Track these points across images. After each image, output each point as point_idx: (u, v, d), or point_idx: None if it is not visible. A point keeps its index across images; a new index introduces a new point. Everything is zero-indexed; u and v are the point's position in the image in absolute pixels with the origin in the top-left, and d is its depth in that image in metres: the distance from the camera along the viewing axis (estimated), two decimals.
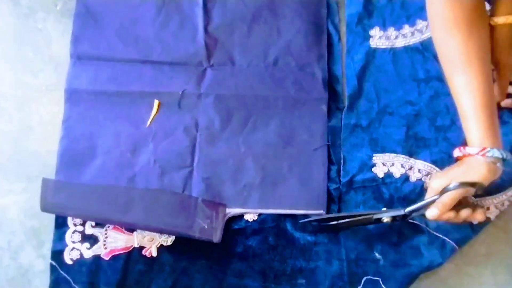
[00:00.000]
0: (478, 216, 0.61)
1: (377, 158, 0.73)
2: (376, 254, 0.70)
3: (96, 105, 0.74)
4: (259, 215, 0.71)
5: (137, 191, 0.69)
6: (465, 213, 0.61)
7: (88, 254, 0.68)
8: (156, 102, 0.74)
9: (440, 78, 0.75)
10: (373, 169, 0.73)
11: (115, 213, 0.67)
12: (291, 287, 0.69)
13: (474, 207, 0.62)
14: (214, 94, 0.75)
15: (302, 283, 0.69)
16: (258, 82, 0.75)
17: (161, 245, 0.69)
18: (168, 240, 0.69)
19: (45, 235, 0.70)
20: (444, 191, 0.60)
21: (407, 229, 0.70)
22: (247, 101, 0.74)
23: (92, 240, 0.69)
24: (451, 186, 0.59)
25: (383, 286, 0.68)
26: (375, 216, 0.65)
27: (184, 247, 0.69)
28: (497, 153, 0.57)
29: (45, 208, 0.67)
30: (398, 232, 0.70)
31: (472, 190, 0.59)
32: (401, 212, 0.64)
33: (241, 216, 0.71)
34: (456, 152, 0.61)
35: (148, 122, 0.73)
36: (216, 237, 0.67)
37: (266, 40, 0.78)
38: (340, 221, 0.68)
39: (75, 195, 0.67)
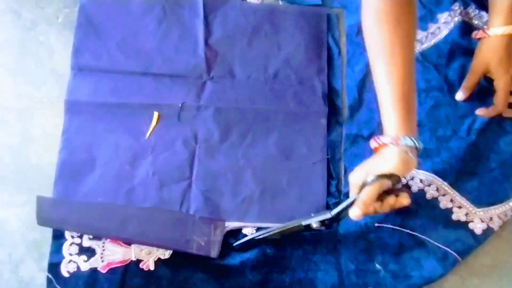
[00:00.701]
0: (403, 201, 0.61)
1: None
2: (377, 265, 0.69)
3: (96, 117, 0.74)
4: (257, 229, 0.71)
5: (133, 208, 0.69)
6: (389, 201, 0.61)
7: (85, 266, 0.68)
8: (155, 114, 0.74)
9: (440, 88, 0.75)
10: None
11: (112, 230, 0.67)
12: None
13: (398, 192, 0.62)
14: (213, 107, 0.75)
15: None
16: (257, 95, 0.76)
17: (159, 259, 0.69)
18: (165, 254, 0.69)
19: (46, 248, 0.69)
20: (363, 185, 0.60)
21: (408, 240, 0.70)
22: (247, 114, 0.75)
23: (89, 252, 0.68)
24: (368, 180, 0.60)
25: None
26: (304, 223, 0.65)
27: (182, 261, 0.69)
28: (409, 141, 0.58)
29: (41, 223, 0.67)
30: (399, 243, 0.69)
31: (388, 183, 0.60)
32: (328, 215, 0.65)
33: (239, 230, 0.71)
34: (372, 143, 0.62)
35: (148, 134, 0.74)
36: (214, 253, 0.67)
37: (266, 54, 0.78)
38: (270, 232, 0.67)
39: (70, 213, 0.67)
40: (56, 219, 0.67)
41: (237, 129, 0.74)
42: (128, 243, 0.69)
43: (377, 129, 0.74)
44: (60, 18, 0.80)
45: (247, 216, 0.71)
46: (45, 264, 0.69)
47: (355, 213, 0.60)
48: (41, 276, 0.69)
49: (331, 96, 0.77)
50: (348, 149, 0.74)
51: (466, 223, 0.70)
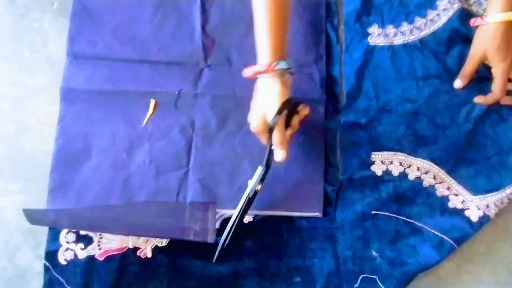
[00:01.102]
0: (305, 112, 0.67)
1: (376, 156, 0.73)
2: (373, 252, 0.69)
3: (92, 105, 0.73)
4: (255, 216, 0.71)
5: (123, 206, 0.69)
6: (295, 122, 0.66)
7: (82, 254, 0.68)
8: (152, 101, 0.73)
9: (439, 76, 0.75)
10: (371, 167, 0.72)
11: (106, 228, 0.67)
12: (287, 285, 0.68)
13: (296, 107, 0.66)
14: (211, 95, 0.74)
15: (298, 281, 0.69)
16: (255, 83, 0.75)
17: (156, 246, 0.69)
18: (163, 241, 0.69)
19: (42, 236, 0.69)
20: (268, 127, 0.63)
21: (404, 227, 0.70)
22: (244, 102, 0.74)
23: (86, 240, 0.69)
24: (270, 122, 0.62)
25: (380, 284, 0.68)
26: (247, 192, 0.66)
27: (179, 248, 0.69)
28: (283, 64, 0.61)
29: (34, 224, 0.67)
30: (395, 230, 0.70)
31: (285, 109, 0.63)
32: (261, 170, 0.66)
33: None
34: (246, 73, 0.64)
35: (144, 122, 0.73)
36: (210, 238, 0.67)
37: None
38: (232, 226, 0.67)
39: (61, 218, 0.67)
40: (48, 223, 0.68)
41: (234, 117, 0.74)
42: None
43: (374, 117, 0.74)
44: (54, 4, 0.79)
45: None
46: (41, 251, 0.69)
47: (280, 157, 0.64)
48: (38, 263, 0.69)
49: (329, 84, 0.77)
50: (345, 136, 0.74)
51: (462, 211, 0.70)
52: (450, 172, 0.71)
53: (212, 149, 0.73)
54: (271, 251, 0.70)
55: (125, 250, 0.68)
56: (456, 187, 0.71)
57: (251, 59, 0.75)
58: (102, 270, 0.67)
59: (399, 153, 0.72)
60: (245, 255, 0.69)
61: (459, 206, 0.70)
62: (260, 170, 0.65)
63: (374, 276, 0.68)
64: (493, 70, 0.70)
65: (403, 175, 0.72)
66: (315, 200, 0.71)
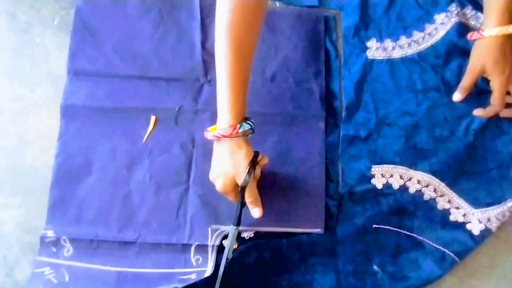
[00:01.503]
0: (264, 162, 0.66)
1: (376, 170, 0.72)
2: (374, 267, 0.69)
3: (93, 121, 0.73)
4: (256, 232, 0.70)
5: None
6: (258, 172, 0.65)
7: None
8: (152, 118, 0.74)
9: (438, 89, 0.75)
10: (371, 181, 0.72)
11: None
12: None
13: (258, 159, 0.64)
14: (211, 111, 0.75)
15: None
16: (255, 99, 0.75)
17: None
18: None
19: None
20: (238, 187, 0.63)
21: (406, 241, 0.69)
22: None
23: None
24: (242, 183, 0.61)
25: None
26: (229, 252, 0.64)
27: None
28: (246, 126, 0.61)
29: None
30: (396, 244, 0.69)
31: (258, 170, 0.64)
32: (234, 229, 0.64)
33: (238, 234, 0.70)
34: (208, 136, 0.63)
35: (145, 138, 0.73)
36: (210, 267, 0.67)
37: (263, 56, 0.78)
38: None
39: None
40: None
41: None
42: None
43: (374, 130, 0.74)
44: (56, 20, 0.80)
45: (244, 220, 0.70)
46: None
47: (257, 214, 0.65)
48: None
49: (329, 98, 0.77)
50: (345, 150, 0.74)
51: (463, 224, 0.70)
52: (451, 185, 0.71)
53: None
54: (272, 267, 0.69)
55: None
56: (457, 200, 0.70)
57: (251, 74, 0.76)
58: None
59: (399, 166, 0.72)
60: (246, 271, 0.69)
61: (461, 219, 0.70)
62: (232, 229, 0.64)
63: None
64: (491, 83, 0.70)
65: (404, 188, 0.72)
66: (317, 217, 0.70)
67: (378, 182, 0.72)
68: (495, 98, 0.70)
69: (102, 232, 0.69)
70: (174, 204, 0.71)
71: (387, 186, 0.72)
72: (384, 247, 0.69)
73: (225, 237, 0.69)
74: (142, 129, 0.74)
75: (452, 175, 0.71)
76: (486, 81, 0.73)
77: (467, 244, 0.68)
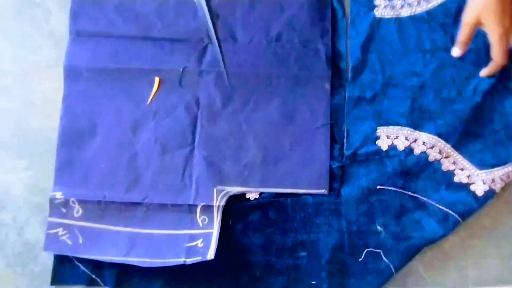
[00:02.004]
0: None
1: (381, 131, 0.72)
2: (378, 227, 0.70)
3: (96, 83, 0.73)
4: (261, 193, 0.71)
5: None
6: None
7: None
8: (156, 79, 0.73)
9: (446, 49, 0.73)
10: (377, 142, 0.72)
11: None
12: (293, 260, 0.69)
13: None
14: (215, 71, 0.74)
15: (303, 255, 0.69)
16: (260, 60, 0.74)
17: None
18: None
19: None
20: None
21: (409, 202, 0.70)
22: (249, 78, 0.73)
23: None
24: None
25: (384, 258, 0.68)
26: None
27: None
28: None
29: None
30: (400, 205, 0.70)
31: None
32: None
33: (243, 194, 0.71)
34: None
35: (149, 100, 0.73)
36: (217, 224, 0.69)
37: (269, 16, 0.76)
38: None
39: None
40: None
41: (239, 94, 0.73)
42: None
43: (380, 91, 0.73)
44: None
45: (249, 181, 0.71)
46: None
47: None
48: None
49: (334, 59, 0.75)
50: (350, 111, 0.73)
51: (468, 185, 0.70)
52: (456, 146, 0.71)
53: (217, 127, 0.72)
54: (276, 226, 0.70)
55: None
56: (462, 161, 0.70)
57: (256, 35, 0.74)
58: None
59: (405, 128, 0.72)
60: (251, 230, 0.70)
61: (465, 180, 0.70)
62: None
63: (379, 250, 0.69)
64: (489, 36, 0.66)
65: (409, 150, 0.71)
66: (321, 178, 0.71)
67: (383, 144, 0.72)
68: (495, 52, 0.66)
69: (109, 193, 0.70)
70: (179, 166, 0.71)
71: (392, 147, 0.72)
72: (387, 208, 0.70)
73: (231, 197, 0.70)
74: (146, 91, 0.73)
75: (458, 136, 0.71)
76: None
77: (470, 205, 0.69)
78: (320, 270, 0.69)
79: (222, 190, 0.70)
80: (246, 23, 0.76)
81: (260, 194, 0.71)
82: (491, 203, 0.70)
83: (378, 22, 0.76)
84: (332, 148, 0.72)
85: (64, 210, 0.70)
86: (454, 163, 0.71)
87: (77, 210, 0.70)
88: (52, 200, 0.70)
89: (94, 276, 0.69)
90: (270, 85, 0.73)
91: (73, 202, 0.70)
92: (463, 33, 0.68)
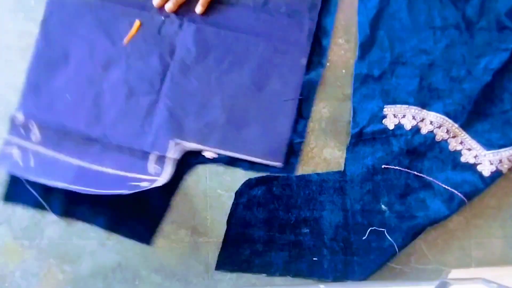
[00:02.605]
0: None
1: (388, 110, 0.71)
2: (382, 206, 0.70)
3: (78, 13, 0.73)
4: (219, 154, 0.71)
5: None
6: None
7: None
8: (137, 22, 0.73)
9: (457, 26, 0.72)
10: (383, 121, 0.71)
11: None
12: (295, 236, 0.70)
13: None
14: (195, 26, 0.73)
15: (306, 232, 0.70)
16: (242, 22, 0.73)
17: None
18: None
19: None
20: None
21: (414, 181, 0.70)
22: (228, 39, 0.72)
23: None
24: None
25: (388, 237, 0.68)
26: None
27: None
28: None
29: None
30: (405, 184, 0.69)
31: None
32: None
33: (199, 152, 0.71)
34: None
35: (125, 40, 0.73)
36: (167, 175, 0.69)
37: None
38: None
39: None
40: None
41: (215, 52, 0.73)
42: None
43: (388, 69, 0.72)
44: None
45: (207, 140, 0.71)
46: None
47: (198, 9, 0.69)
48: (52, 214, 0.71)
49: (318, 35, 0.74)
50: (358, 89, 0.72)
51: (474, 165, 0.69)
52: (464, 126, 0.70)
53: (186, 80, 0.72)
54: (280, 202, 0.70)
55: None
56: (470, 141, 0.70)
57: None
58: None
59: (412, 107, 0.71)
60: (255, 205, 0.70)
61: (472, 160, 0.69)
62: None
63: (383, 229, 0.69)
64: None
65: (416, 129, 0.71)
66: (278, 150, 0.71)
67: (390, 123, 0.71)
68: None
69: (70, 124, 0.71)
70: (142, 111, 0.72)
71: (399, 126, 0.71)
72: (392, 187, 0.70)
73: (187, 153, 0.71)
74: (125, 31, 0.73)
75: (466, 116, 0.70)
76: (509, 17, 0.69)
77: (476, 185, 0.68)
78: (322, 247, 0.70)
79: (178, 144, 0.70)
80: None
81: (219, 154, 0.71)
82: (497, 183, 0.69)
83: None
84: (297, 123, 0.72)
85: (22, 132, 0.71)
86: (461, 143, 0.70)
87: (35, 134, 0.71)
88: (13, 119, 0.71)
89: (42, 201, 0.70)
90: (247, 49, 0.73)
91: (32, 125, 0.71)
92: None
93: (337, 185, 0.71)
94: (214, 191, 0.72)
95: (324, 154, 0.72)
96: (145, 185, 0.67)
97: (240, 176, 0.72)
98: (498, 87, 0.70)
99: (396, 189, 0.70)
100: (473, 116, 0.70)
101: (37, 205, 0.70)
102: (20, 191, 0.70)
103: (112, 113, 0.71)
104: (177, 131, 0.71)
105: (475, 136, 0.70)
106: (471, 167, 0.69)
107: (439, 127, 0.70)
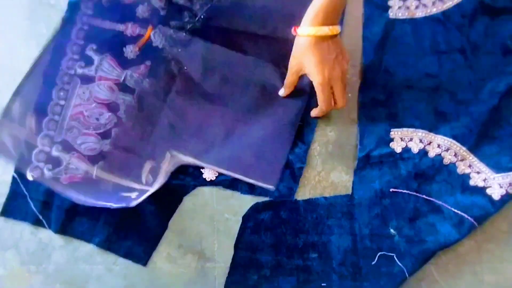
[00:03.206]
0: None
1: (395, 133, 0.71)
2: (391, 230, 0.69)
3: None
4: (219, 175, 0.71)
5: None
6: None
7: (48, 175, 0.70)
8: (150, 28, 0.74)
9: (462, 50, 0.72)
10: (390, 144, 0.71)
11: None
12: (303, 261, 0.69)
13: None
14: (204, 43, 0.74)
15: (314, 257, 0.69)
16: (252, 46, 0.74)
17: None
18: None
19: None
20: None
21: (424, 205, 0.69)
22: (235, 59, 0.74)
23: (56, 163, 0.71)
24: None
25: (398, 262, 0.67)
26: None
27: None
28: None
29: None
30: (414, 208, 0.69)
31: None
32: None
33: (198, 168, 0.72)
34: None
35: (137, 46, 0.74)
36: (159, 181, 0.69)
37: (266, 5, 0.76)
38: None
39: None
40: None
41: (222, 71, 0.74)
42: (94, 161, 0.71)
43: (394, 92, 0.72)
44: None
45: (204, 156, 0.71)
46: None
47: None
48: (59, 238, 0.71)
49: None
50: (364, 113, 0.73)
51: (484, 189, 0.69)
52: (472, 149, 0.69)
53: (190, 95, 0.73)
54: (288, 226, 0.70)
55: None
56: (478, 164, 0.69)
57: (251, 25, 0.75)
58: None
59: (419, 130, 0.71)
60: (262, 229, 0.70)
61: (481, 184, 0.69)
62: None
63: (392, 254, 0.68)
64: (314, 84, 0.66)
65: (423, 152, 0.70)
66: (273, 173, 0.70)
67: (397, 146, 0.71)
68: (319, 100, 0.66)
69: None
70: (145, 119, 0.72)
71: (406, 150, 0.71)
72: (401, 211, 0.69)
73: (187, 174, 0.71)
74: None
75: (474, 139, 0.70)
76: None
77: (486, 209, 0.67)
78: (331, 272, 0.69)
79: (174, 156, 0.71)
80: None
81: (217, 176, 0.71)
82: (508, 207, 0.68)
83: (392, 23, 0.75)
84: (298, 148, 0.72)
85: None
86: (469, 166, 0.69)
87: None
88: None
89: (40, 217, 0.70)
90: (253, 73, 0.74)
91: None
92: (288, 78, 0.68)
93: (345, 209, 0.70)
94: (221, 215, 0.71)
95: (332, 177, 0.72)
96: (133, 197, 0.67)
97: (248, 200, 0.71)
98: (505, 110, 0.70)
99: (405, 213, 0.69)
100: (481, 139, 0.70)
101: (34, 221, 0.71)
102: (18, 206, 0.71)
103: (123, 119, 0.72)
104: (175, 143, 0.71)
105: (483, 159, 0.69)
106: (481, 191, 0.69)
107: (447, 150, 0.70)
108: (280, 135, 0.72)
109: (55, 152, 0.71)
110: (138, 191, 0.69)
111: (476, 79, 0.72)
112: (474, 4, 0.73)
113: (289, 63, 0.67)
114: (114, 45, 0.74)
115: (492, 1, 0.72)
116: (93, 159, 0.71)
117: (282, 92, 0.72)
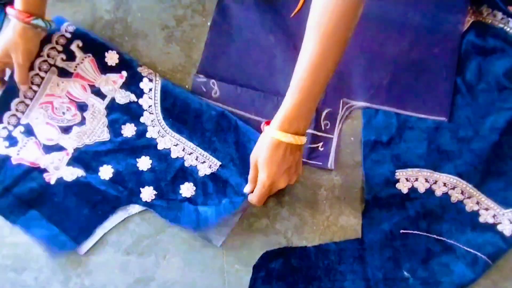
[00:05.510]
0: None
1: (400, 174, 0.72)
2: (405, 273, 0.67)
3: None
4: (157, 199, 0.72)
5: None
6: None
7: (2, 151, 0.73)
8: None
9: (458, 90, 0.74)
10: (396, 185, 0.71)
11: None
12: None
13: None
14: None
15: None
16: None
17: (61, 178, 0.72)
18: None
19: (72, 271, 0.70)
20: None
21: (435, 245, 0.68)
22: (387, 8, 0.77)
23: (12, 142, 0.73)
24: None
25: None
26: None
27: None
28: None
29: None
30: (426, 248, 0.68)
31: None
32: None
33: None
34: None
35: (293, 14, 0.78)
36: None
37: None
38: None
39: None
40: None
41: (377, 21, 0.76)
42: (48, 151, 0.73)
43: (396, 134, 0.73)
44: None
45: (374, 98, 0.75)
46: (71, 286, 0.69)
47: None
48: None
49: None
50: (368, 155, 0.73)
51: (494, 225, 0.68)
52: (478, 186, 0.70)
53: (352, 46, 0.70)
54: (299, 274, 0.69)
55: (35, 166, 0.72)
56: (486, 201, 0.69)
57: None
58: (8, 171, 0.72)
59: (424, 170, 0.71)
60: (274, 278, 0.68)
61: (491, 220, 0.68)
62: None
63: None
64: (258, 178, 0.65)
65: (430, 192, 0.71)
66: (442, 106, 0.73)
67: (403, 187, 0.71)
68: (254, 194, 0.65)
69: (244, 82, 0.76)
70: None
71: (413, 190, 0.71)
72: (413, 252, 0.68)
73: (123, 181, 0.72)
74: (293, 7, 0.78)
75: (479, 176, 0.70)
76: (507, 78, 0.72)
77: (499, 246, 0.67)
78: None
79: (348, 103, 0.75)
80: None
81: (153, 199, 0.72)
82: None
83: None
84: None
85: (203, 88, 0.76)
86: (477, 203, 0.69)
87: (215, 92, 0.76)
88: (195, 79, 0.77)
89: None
90: (405, 19, 0.77)
91: (213, 83, 0.76)
92: (250, 172, 0.67)
93: (356, 254, 0.69)
94: (232, 266, 0.70)
95: (340, 221, 0.72)
96: (321, 150, 0.73)
97: (257, 249, 0.71)
98: (507, 145, 0.71)
99: (417, 254, 0.68)
100: (486, 175, 0.70)
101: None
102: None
103: (285, 74, 0.71)
104: (345, 91, 0.75)
105: (490, 195, 0.69)
106: (491, 227, 0.68)
107: (453, 188, 0.70)
108: (441, 71, 0.75)
109: (16, 133, 0.73)
110: (322, 139, 0.74)
111: (475, 116, 0.73)
112: (465, 46, 0.75)
113: (251, 156, 0.65)
114: (98, 48, 0.76)
115: (483, 42, 0.74)
116: (47, 149, 0.73)
117: (247, 188, 0.68)
